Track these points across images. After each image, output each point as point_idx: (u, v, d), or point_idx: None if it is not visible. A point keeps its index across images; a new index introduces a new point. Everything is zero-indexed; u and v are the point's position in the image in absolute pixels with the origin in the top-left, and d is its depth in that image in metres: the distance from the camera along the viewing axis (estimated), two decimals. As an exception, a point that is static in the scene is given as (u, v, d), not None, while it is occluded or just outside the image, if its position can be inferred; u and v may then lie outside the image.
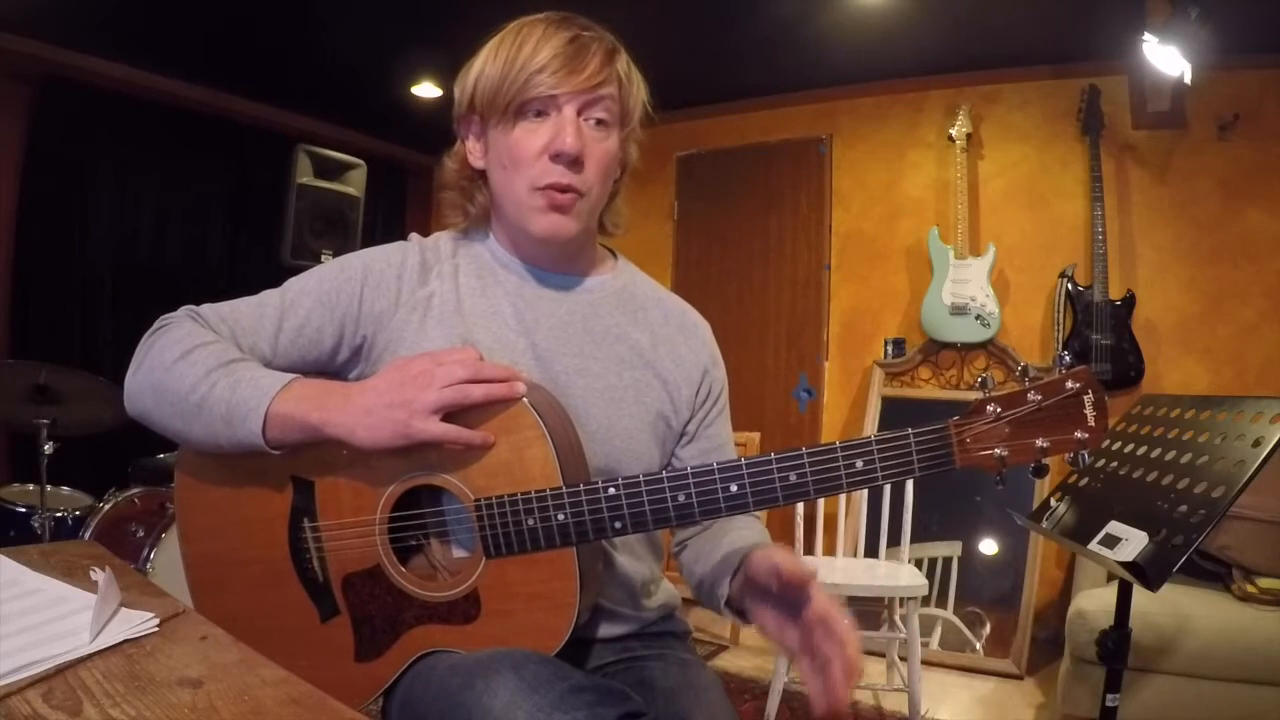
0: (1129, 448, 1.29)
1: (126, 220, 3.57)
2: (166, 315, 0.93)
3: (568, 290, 1.00)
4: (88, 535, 2.32)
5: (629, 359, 0.99)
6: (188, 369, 0.85)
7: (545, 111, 0.89)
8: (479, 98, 0.92)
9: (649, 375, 0.99)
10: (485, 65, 0.91)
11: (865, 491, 2.92)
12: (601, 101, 0.90)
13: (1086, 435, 0.77)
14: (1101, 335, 3.03)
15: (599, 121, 0.91)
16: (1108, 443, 1.34)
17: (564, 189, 0.89)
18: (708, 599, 0.96)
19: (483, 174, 0.97)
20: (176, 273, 3.69)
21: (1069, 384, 0.77)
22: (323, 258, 2.74)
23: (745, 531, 0.97)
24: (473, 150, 0.97)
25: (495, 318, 0.95)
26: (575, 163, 0.89)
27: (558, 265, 1.00)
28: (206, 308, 0.94)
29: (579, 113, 0.89)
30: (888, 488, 2.52)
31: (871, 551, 2.57)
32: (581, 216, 0.93)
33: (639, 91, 0.96)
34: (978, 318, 3.22)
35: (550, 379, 0.94)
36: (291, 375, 0.86)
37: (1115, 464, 1.29)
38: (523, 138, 0.89)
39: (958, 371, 3.41)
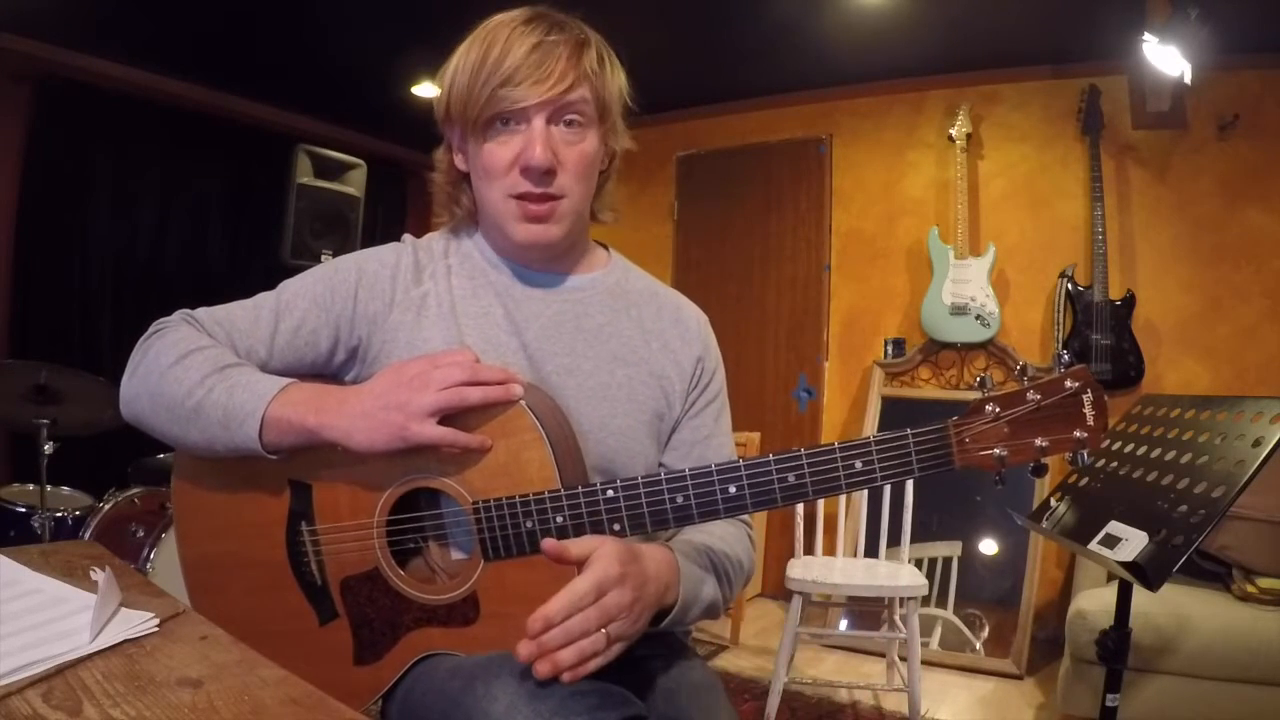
0: (1129, 448, 1.29)
1: (126, 220, 3.57)
2: (162, 319, 0.93)
3: (558, 289, 0.99)
4: (88, 535, 2.32)
5: (622, 356, 0.98)
6: (183, 374, 0.85)
7: (516, 122, 0.88)
8: (453, 108, 0.91)
9: (642, 372, 0.99)
10: (457, 72, 0.90)
11: (865, 491, 2.92)
12: (572, 106, 0.88)
13: (1085, 434, 0.77)
14: (1101, 335, 3.03)
15: (571, 124, 0.89)
16: (1108, 443, 1.33)
17: (539, 199, 0.89)
18: None
19: (467, 176, 0.97)
20: (176, 273, 3.69)
21: (1068, 383, 0.77)
22: (322, 258, 2.74)
23: (699, 534, 0.95)
24: (457, 155, 0.97)
25: (486, 318, 0.95)
26: (548, 173, 0.88)
27: (547, 265, 1.00)
28: (202, 311, 0.94)
29: (549, 120, 0.88)
30: (888, 488, 2.51)
31: (871, 551, 2.57)
32: (564, 221, 0.92)
33: (614, 81, 0.94)
34: (978, 318, 3.22)
35: (542, 379, 0.94)
36: (288, 380, 0.86)
37: (1115, 464, 1.29)
38: (494, 150, 0.89)
39: (958, 371, 3.41)
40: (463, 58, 0.90)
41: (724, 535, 0.98)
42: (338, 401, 0.82)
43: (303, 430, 0.82)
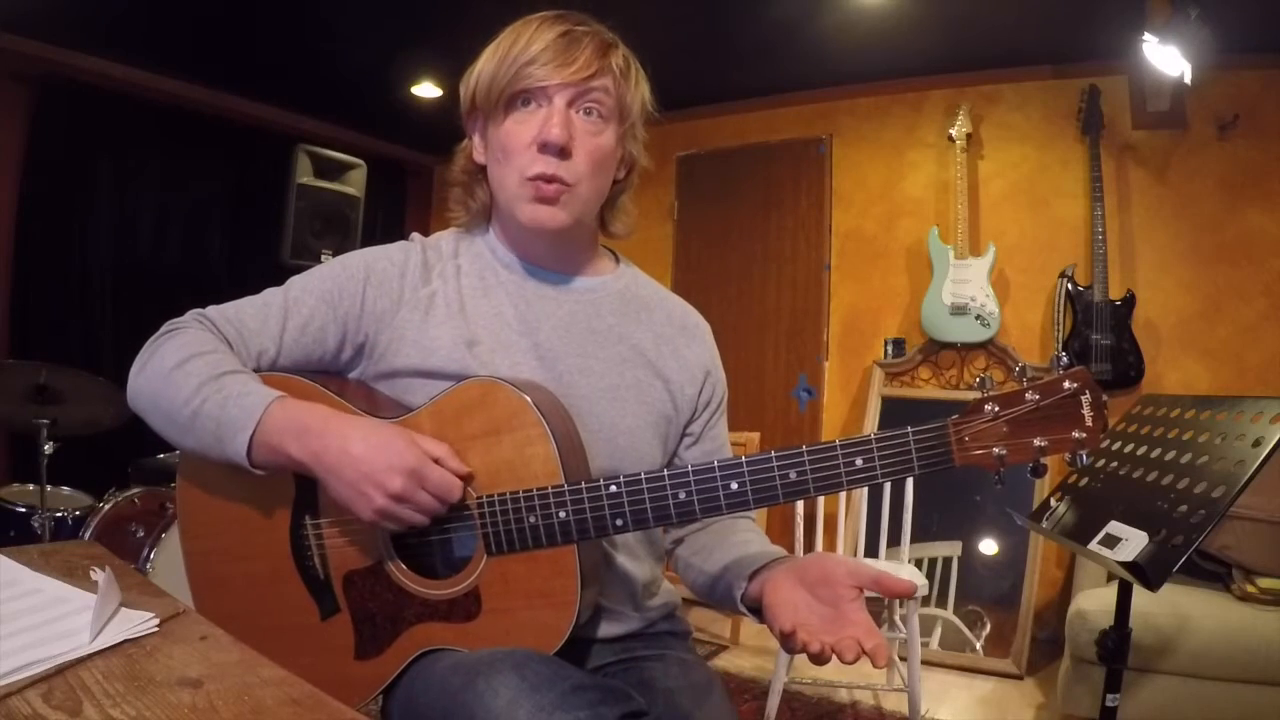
0: (1129, 448, 1.29)
1: (126, 220, 3.57)
2: (174, 320, 0.93)
3: (569, 290, 1.00)
4: (88, 535, 2.32)
5: (631, 359, 0.99)
6: (183, 380, 0.84)
7: (537, 103, 0.90)
8: (478, 94, 0.93)
9: (651, 375, 1.00)
10: (485, 62, 0.92)
11: (865, 491, 2.92)
12: (592, 93, 0.90)
13: (1084, 435, 0.77)
14: (1101, 335, 3.03)
15: (590, 113, 0.91)
16: (1108, 443, 1.33)
17: (550, 179, 0.89)
18: (710, 593, 0.97)
19: (484, 169, 0.97)
20: (176, 273, 3.69)
21: (1066, 384, 0.77)
22: (323, 258, 2.74)
23: (751, 535, 1.00)
24: (477, 146, 0.97)
25: (498, 319, 0.96)
26: (563, 153, 0.89)
27: (557, 264, 1.00)
28: (213, 310, 0.94)
29: (570, 104, 0.89)
30: (888, 487, 2.52)
31: (871, 551, 2.57)
32: (571, 208, 0.92)
33: (638, 87, 0.95)
34: (978, 318, 3.22)
35: (554, 378, 0.94)
36: (275, 394, 0.83)
37: (1115, 464, 1.29)
38: (513, 128, 0.90)
39: (958, 371, 3.41)
40: (492, 50, 0.92)
41: (762, 542, 0.99)
42: (336, 449, 0.80)
43: (297, 466, 0.82)
